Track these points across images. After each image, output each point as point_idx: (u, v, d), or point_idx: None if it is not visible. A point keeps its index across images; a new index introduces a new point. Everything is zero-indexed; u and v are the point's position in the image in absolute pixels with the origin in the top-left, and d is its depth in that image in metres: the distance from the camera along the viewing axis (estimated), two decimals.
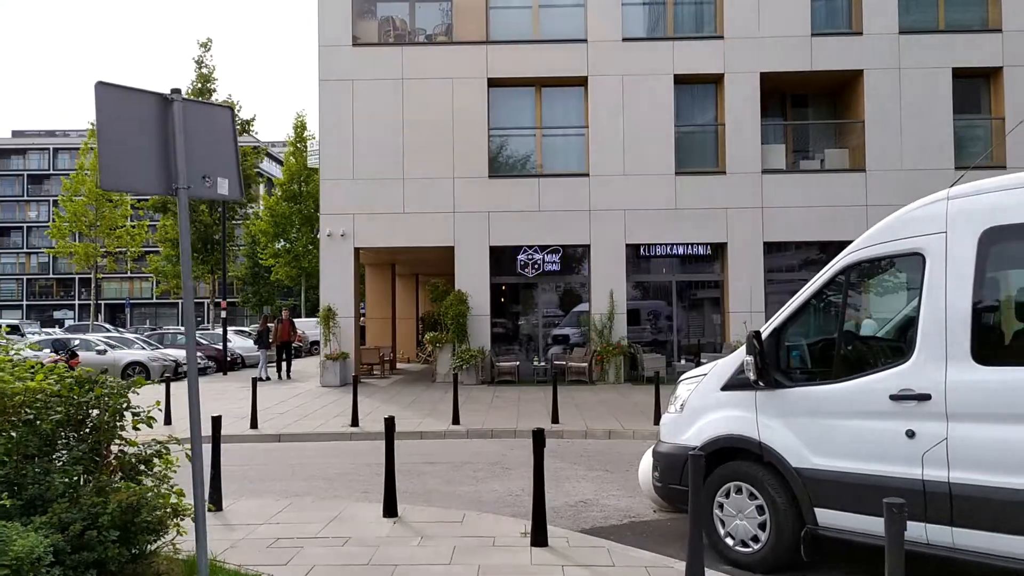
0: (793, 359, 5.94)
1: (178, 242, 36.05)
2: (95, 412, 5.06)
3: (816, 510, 5.47)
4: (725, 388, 6.09)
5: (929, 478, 4.95)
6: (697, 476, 5.03)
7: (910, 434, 5.05)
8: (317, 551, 6.14)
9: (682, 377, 6.76)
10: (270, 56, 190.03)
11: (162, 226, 40.08)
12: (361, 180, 20.63)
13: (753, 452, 5.82)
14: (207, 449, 7.84)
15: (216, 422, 7.46)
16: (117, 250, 45.14)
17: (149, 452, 5.37)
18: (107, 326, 49.12)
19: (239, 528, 6.80)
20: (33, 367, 5.39)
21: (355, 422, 13.36)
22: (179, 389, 20.42)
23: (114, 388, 5.08)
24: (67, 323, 69.50)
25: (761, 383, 5.74)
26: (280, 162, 62.16)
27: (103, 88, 4.61)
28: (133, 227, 43.98)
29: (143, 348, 24.26)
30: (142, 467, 5.33)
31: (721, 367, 6.23)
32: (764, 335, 5.83)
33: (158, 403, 5.50)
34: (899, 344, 5.60)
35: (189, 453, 4.98)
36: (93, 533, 4.37)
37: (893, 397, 5.13)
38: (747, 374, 5.77)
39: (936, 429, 4.95)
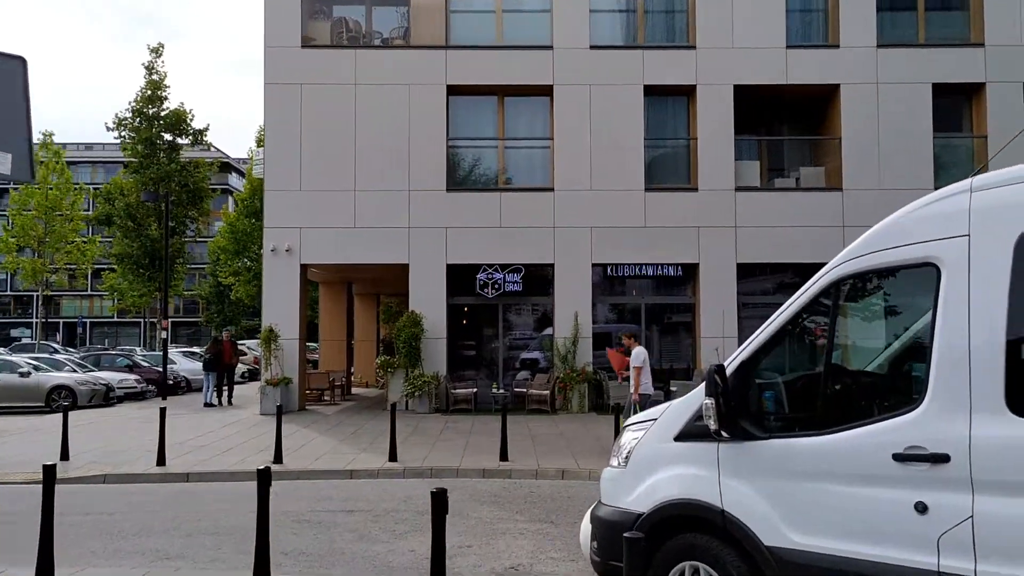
0: (766, 402, 4.62)
1: (128, 257, 34.46)
2: None
3: None
4: (680, 438, 4.74)
5: (948, 570, 3.62)
6: (635, 564, 3.69)
7: (921, 508, 3.73)
8: None
9: (627, 421, 5.42)
10: (245, 69, 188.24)
11: (118, 241, 38.28)
12: (309, 191, 19.21)
13: (714, 523, 4.47)
14: (26, 499, 6.39)
15: (49, 472, 5.94)
16: (67, 266, 43.32)
17: None
18: (55, 345, 47.08)
19: None
20: None
21: (278, 458, 11.86)
22: (93, 417, 18.83)
23: None
24: (24, 341, 66.99)
25: (724, 433, 4.40)
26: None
27: None
28: (84, 242, 42.21)
29: (73, 371, 22.55)
30: None
31: (674, 411, 4.88)
32: (729, 370, 4.50)
33: None
34: (904, 385, 4.31)
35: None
36: None
37: (898, 457, 3.82)
38: (707, 421, 4.42)
39: (957, 503, 3.63)
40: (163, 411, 12.03)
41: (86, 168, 77.75)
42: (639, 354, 12.76)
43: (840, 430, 4.09)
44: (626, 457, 5.06)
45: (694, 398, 4.74)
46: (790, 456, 4.26)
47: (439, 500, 4.67)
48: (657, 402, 10.10)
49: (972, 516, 3.58)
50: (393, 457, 12.00)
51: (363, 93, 19.43)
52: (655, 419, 5.00)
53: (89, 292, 78.00)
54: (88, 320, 79.27)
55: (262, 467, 5.69)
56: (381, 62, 19.88)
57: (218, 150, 70.55)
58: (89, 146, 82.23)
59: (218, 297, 58.51)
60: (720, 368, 4.40)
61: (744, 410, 4.48)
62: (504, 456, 11.99)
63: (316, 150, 19.28)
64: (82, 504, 9.65)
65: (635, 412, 12.30)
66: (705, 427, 4.46)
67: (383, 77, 19.51)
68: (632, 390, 12.74)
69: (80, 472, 11.55)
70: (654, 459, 4.85)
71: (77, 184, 43.48)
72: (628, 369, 12.93)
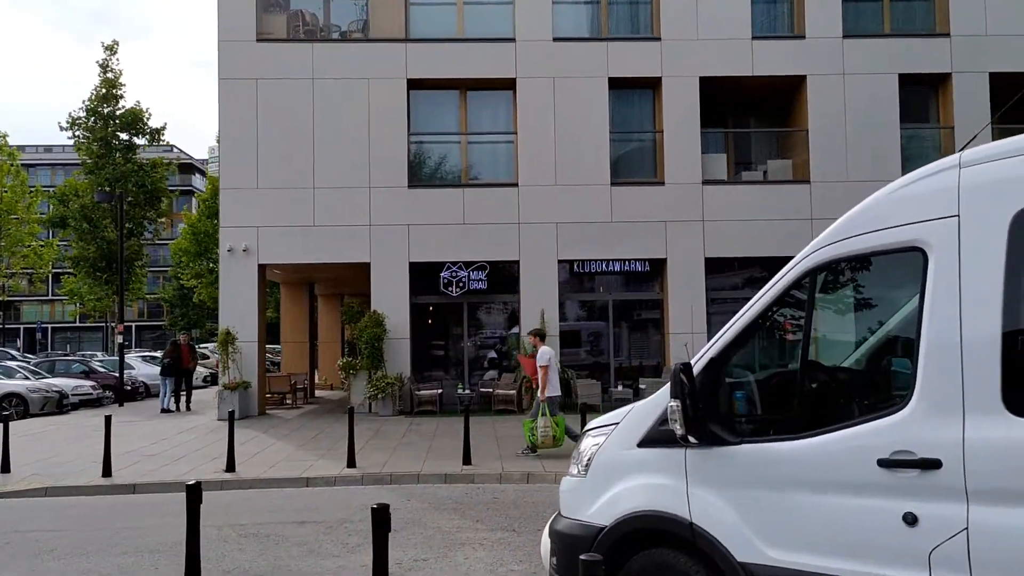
0: (737, 403, 4.23)
1: (85, 260, 33.45)
2: None
3: None
4: (644, 444, 4.34)
5: None
6: None
7: (910, 519, 3.35)
8: None
9: (588, 426, 5.01)
10: (213, 68, 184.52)
11: (75, 243, 37.18)
12: (266, 190, 18.62)
13: (683, 537, 4.07)
14: None
15: None
16: (24, 270, 42.14)
17: None
18: (13, 352, 45.76)
19: None
20: None
21: (231, 467, 11.34)
22: (44, 426, 18.05)
23: None
24: None
25: (692, 438, 3.99)
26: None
27: None
28: (42, 246, 41.06)
29: (26, 378, 21.74)
30: None
31: (637, 414, 4.47)
32: (696, 369, 4.10)
33: None
34: (889, 382, 3.94)
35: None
36: None
37: (883, 463, 3.44)
38: (673, 425, 4.02)
39: (950, 513, 3.26)
40: (108, 419, 11.42)
41: (46, 171, 76.00)
42: (544, 353, 12.29)
43: (819, 433, 3.70)
44: (586, 465, 4.64)
45: (659, 400, 4.33)
46: (764, 463, 3.87)
47: (381, 517, 4.22)
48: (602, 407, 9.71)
49: (967, 528, 3.21)
50: (352, 463, 11.53)
51: (321, 88, 18.88)
52: (617, 423, 4.59)
53: (50, 297, 76.28)
54: (49, 325, 77.45)
55: (192, 482, 5.21)
56: (339, 56, 19.32)
57: (180, 151, 69.33)
58: (48, 148, 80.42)
59: (181, 300, 57.46)
60: (687, 367, 3.99)
61: (713, 412, 4.07)
62: (467, 460, 11.56)
63: (273, 147, 18.69)
64: (17, 520, 9.07)
65: (543, 414, 11.94)
66: (671, 432, 4.05)
67: (341, 71, 18.98)
68: (539, 392, 12.26)
69: (20, 485, 10.93)
70: (616, 467, 4.44)
71: (33, 187, 42.31)
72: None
